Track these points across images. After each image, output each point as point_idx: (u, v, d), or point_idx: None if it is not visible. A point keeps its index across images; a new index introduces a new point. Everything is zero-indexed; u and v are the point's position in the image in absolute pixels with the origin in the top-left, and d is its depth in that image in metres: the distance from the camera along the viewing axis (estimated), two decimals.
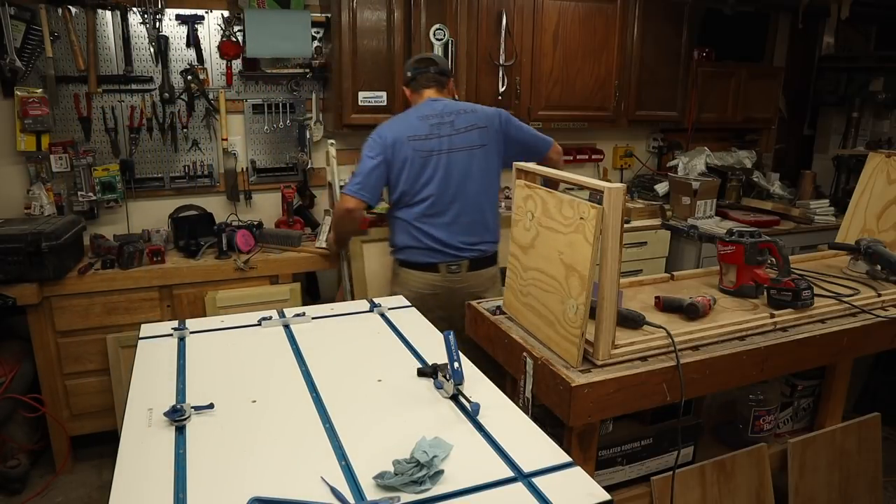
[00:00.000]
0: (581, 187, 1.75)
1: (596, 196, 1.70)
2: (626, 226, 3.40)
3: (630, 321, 1.88)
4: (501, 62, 3.31)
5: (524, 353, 1.84)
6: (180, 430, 1.31)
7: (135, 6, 2.94)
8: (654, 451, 2.01)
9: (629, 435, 1.99)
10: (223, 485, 1.13)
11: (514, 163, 2.02)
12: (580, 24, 3.41)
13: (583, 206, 1.66)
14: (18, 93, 2.80)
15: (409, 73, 2.59)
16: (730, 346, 1.86)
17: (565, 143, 3.96)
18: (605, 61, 3.51)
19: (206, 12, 3.08)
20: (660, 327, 1.83)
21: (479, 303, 2.21)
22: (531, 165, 2.00)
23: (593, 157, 3.96)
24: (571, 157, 3.87)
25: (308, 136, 3.44)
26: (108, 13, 2.93)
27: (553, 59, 3.41)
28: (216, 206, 3.38)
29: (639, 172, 4.17)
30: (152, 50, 3.03)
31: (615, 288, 1.66)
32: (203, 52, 3.12)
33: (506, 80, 3.36)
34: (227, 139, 3.30)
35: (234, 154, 3.35)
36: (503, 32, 3.26)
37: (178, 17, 3.04)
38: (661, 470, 2.02)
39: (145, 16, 2.96)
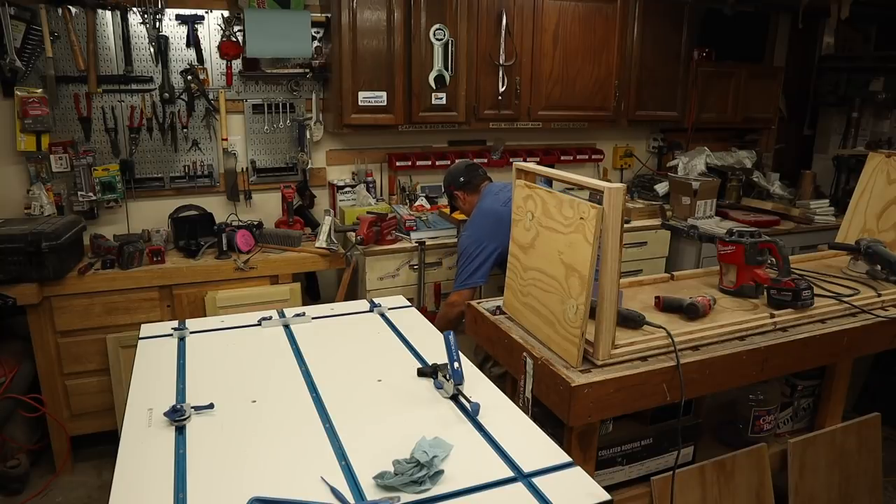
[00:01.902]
0: (581, 187, 1.75)
1: (596, 196, 1.70)
2: (626, 226, 3.40)
3: (630, 321, 1.88)
4: (501, 62, 3.31)
5: (524, 354, 1.84)
6: (180, 431, 1.31)
7: (135, 6, 2.94)
8: (654, 451, 2.01)
9: (629, 435, 1.99)
10: (223, 484, 1.13)
11: (515, 163, 2.02)
12: (580, 24, 3.40)
13: (583, 206, 1.66)
14: (18, 93, 2.80)
15: (462, 179, 2.88)
16: (730, 346, 1.86)
17: (565, 143, 3.97)
18: (605, 61, 3.51)
19: (206, 12, 3.08)
20: (660, 327, 1.83)
21: (478, 303, 2.21)
22: (531, 165, 2.00)
23: (593, 157, 3.95)
24: (571, 157, 3.87)
25: (308, 136, 3.44)
26: (108, 13, 2.92)
27: (553, 59, 3.41)
28: (216, 206, 3.37)
29: (639, 172, 4.17)
30: (152, 50, 3.03)
31: (615, 288, 1.66)
32: (203, 52, 3.12)
33: (506, 80, 3.35)
34: (227, 139, 3.30)
35: (234, 154, 3.35)
36: (503, 32, 3.26)
37: (177, 17, 3.04)
38: (661, 470, 2.02)
39: (145, 16, 2.96)
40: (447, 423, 1.38)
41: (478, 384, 1.57)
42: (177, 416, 1.34)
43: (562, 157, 3.84)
